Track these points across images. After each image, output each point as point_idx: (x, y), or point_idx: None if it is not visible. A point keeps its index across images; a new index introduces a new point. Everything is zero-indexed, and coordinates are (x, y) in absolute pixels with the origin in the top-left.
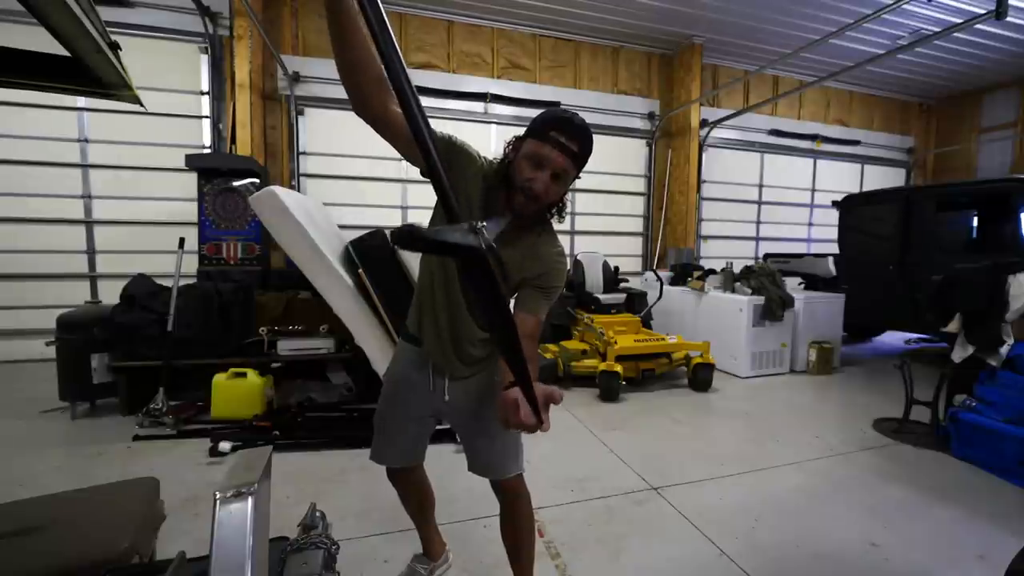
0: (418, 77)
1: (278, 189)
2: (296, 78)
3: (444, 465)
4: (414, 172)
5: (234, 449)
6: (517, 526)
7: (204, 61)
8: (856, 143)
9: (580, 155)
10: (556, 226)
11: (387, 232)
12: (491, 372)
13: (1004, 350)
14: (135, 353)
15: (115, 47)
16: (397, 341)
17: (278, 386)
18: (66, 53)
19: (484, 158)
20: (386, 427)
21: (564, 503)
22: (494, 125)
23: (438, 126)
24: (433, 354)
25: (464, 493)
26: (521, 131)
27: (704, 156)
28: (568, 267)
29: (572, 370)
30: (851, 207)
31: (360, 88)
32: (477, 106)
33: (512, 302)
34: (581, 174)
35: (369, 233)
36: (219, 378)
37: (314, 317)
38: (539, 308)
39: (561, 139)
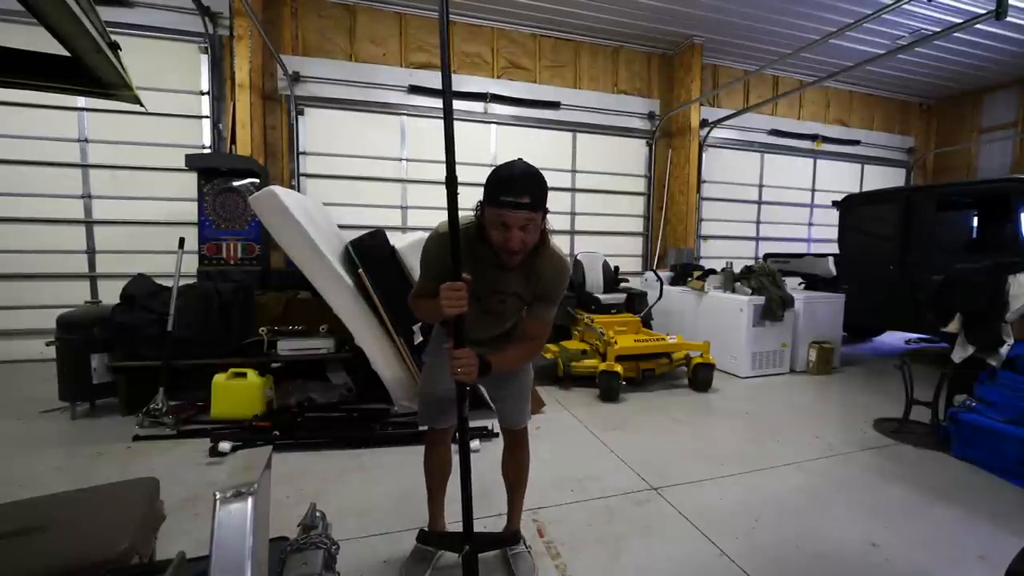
0: (418, 77)
1: (278, 189)
2: (296, 78)
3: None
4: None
5: (234, 449)
6: (519, 464)
7: (204, 61)
8: (856, 143)
9: (534, 202)
10: (556, 227)
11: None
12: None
13: (1004, 350)
14: (135, 353)
15: (115, 47)
16: (434, 329)
17: (278, 386)
18: (66, 53)
19: (462, 227)
20: (437, 394)
21: (564, 503)
22: (494, 125)
23: (438, 125)
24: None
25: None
26: (520, 131)
27: (704, 156)
28: (569, 268)
29: (572, 370)
30: (851, 207)
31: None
32: (477, 106)
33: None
34: (580, 174)
35: (369, 233)
36: (219, 378)
37: (314, 317)
38: (545, 313)
39: (510, 199)
